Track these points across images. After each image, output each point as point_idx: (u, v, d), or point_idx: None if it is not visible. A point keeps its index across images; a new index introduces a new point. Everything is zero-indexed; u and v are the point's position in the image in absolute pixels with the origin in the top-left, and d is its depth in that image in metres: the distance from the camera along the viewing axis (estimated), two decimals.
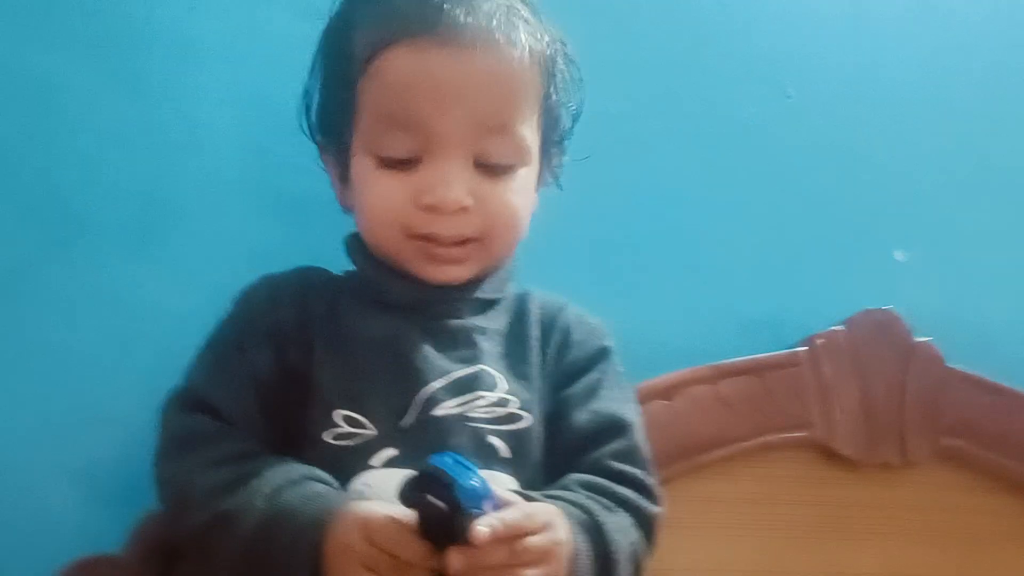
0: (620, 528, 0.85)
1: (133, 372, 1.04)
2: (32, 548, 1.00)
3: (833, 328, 1.19)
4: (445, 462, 0.72)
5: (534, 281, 0.98)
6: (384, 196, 0.88)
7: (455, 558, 0.72)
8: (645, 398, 1.09)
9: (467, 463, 0.73)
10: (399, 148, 0.87)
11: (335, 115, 0.91)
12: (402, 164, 0.87)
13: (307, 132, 0.96)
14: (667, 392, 1.13)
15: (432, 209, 0.86)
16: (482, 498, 0.73)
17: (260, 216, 1.09)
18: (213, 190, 1.09)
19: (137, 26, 1.08)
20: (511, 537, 0.73)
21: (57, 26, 1.06)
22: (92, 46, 1.07)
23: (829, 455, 1.18)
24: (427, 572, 0.73)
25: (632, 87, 1.21)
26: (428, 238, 0.88)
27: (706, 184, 1.23)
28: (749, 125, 1.25)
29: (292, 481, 0.80)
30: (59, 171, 1.06)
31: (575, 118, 0.97)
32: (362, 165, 0.88)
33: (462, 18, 0.85)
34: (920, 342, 1.20)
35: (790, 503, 1.18)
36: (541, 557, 0.76)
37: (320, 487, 0.81)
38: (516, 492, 0.81)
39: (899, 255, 1.28)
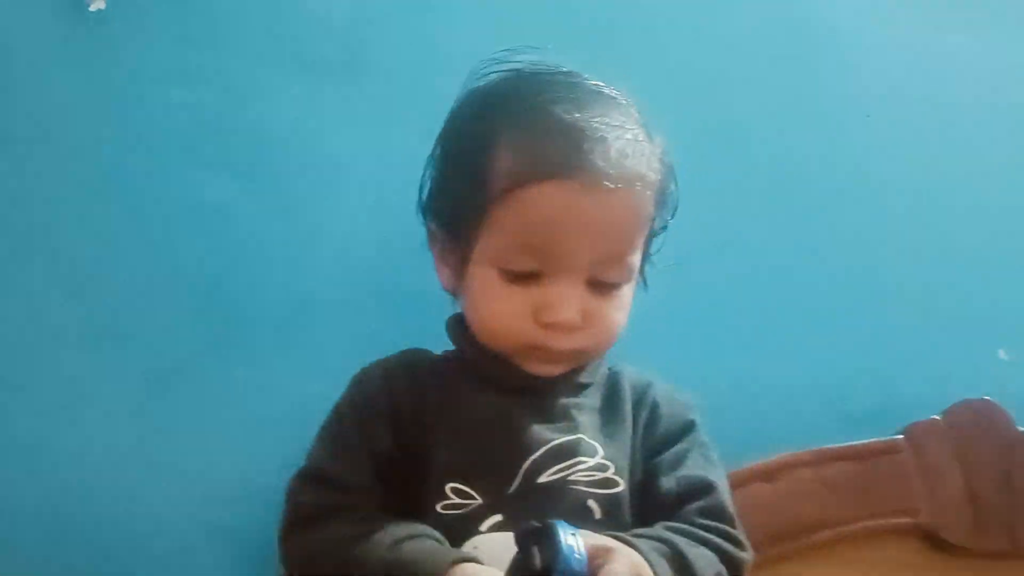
0: (704, 559, 0.84)
1: (281, 451, 1.03)
2: None
3: (933, 417, 1.15)
4: (565, 528, 0.73)
5: (646, 370, 0.99)
6: (505, 309, 0.88)
7: None
8: (748, 480, 1.08)
9: (580, 546, 0.73)
10: (525, 266, 0.88)
11: (458, 219, 0.92)
12: (524, 277, 0.88)
13: (420, 215, 0.97)
14: (770, 475, 1.10)
15: (549, 327, 0.88)
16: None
17: (387, 310, 1.12)
18: (348, 289, 1.13)
19: (289, 155, 1.15)
20: None
21: (222, 157, 1.14)
22: (252, 173, 1.14)
23: (937, 542, 1.13)
24: None
25: (735, 183, 1.23)
26: (543, 349, 0.89)
27: (810, 280, 1.23)
28: (852, 228, 1.25)
29: (412, 535, 0.81)
30: (225, 279, 1.12)
31: (666, 224, 0.97)
32: (484, 274, 0.89)
33: (600, 161, 0.85)
34: None
35: None
36: None
37: (436, 544, 0.82)
38: (610, 535, 0.81)
39: (1003, 354, 1.24)
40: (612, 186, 0.86)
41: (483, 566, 0.78)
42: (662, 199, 0.94)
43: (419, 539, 0.81)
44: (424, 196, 0.97)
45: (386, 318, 1.13)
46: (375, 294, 1.14)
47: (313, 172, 1.15)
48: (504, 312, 0.89)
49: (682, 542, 0.83)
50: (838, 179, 1.26)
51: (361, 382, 0.93)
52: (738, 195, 1.23)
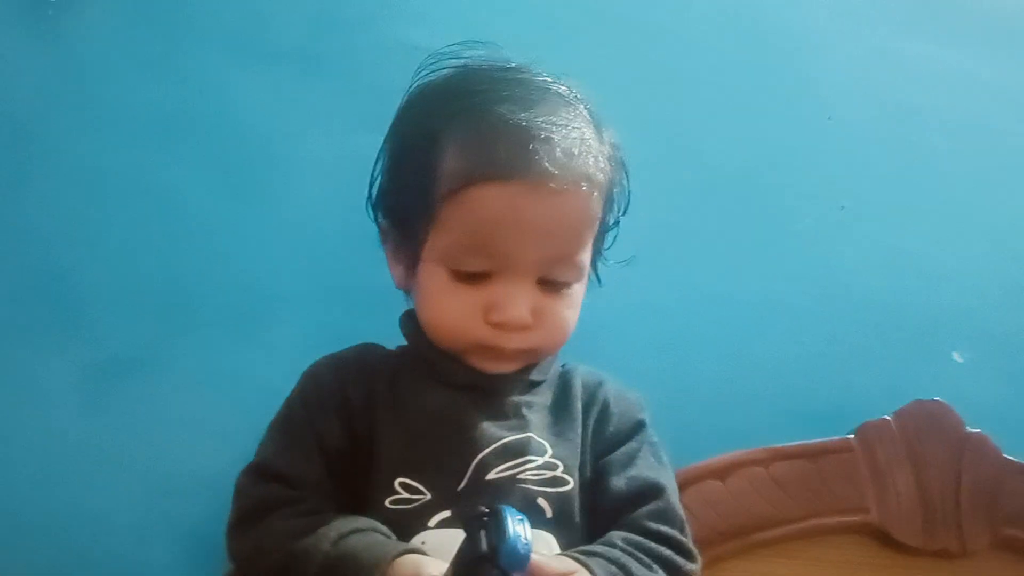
0: None
1: (236, 444, 1.02)
2: None
3: (884, 417, 1.15)
4: (513, 513, 0.72)
5: (604, 368, 0.98)
6: (455, 309, 0.88)
7: None
8: (700, 477, 1.08)
9: (526, 532, 0.72)
10: (474, 266, 0.87)
11: (407, 218, 0.91)
12: (473, 277, 0.87)
13: (370, 213, 0.96)
14: (722, 472, 1.10)
15: (499, 326, 0.87)
16: (517, 564, 0.71)
17: (345, 303, 1.12)
18: (308, 283, 1.13)
19: (249, 146, 1.14)
20: None
21: (181, 146, 1.13)
22: (210, 163, 1.14)
23: (886, 541, 1.13)
24: None
25: (693, 183, 1.24)
26: (493, 349, 0.89)
27: (765, 280, 1.24)
28: (807, 232, 1.26)
29: (357, 529, 0.80)
30: (180, 269, 1.11)
31: (618, 221, 0.97)
32: (435, 274, 0.88)
33: (546, 162, 0.84)
34: (974, 433, 1.16)
35: None
36: None
37: (381, 537, 0.81)
38: (562, 555, 0.80)
39: (957, 356, 1.26)
40: (557, 187, 0.85)
41: (427, 557, 0.78)
42: (611, 197, 0.93)
43: (365, 533, 0.81)
44: (374, 193, 0.96)
45: (344, 312, 1.12)
46: (333, 288, 1.13)
47: (273, 164, 1.15)
48: (454, 311, 0.88)
49: (635, 567, 0.82)
50: (797, 181, 1.27)
51: (312, 376, 0.92)
52: (696, 195, 1.24)
